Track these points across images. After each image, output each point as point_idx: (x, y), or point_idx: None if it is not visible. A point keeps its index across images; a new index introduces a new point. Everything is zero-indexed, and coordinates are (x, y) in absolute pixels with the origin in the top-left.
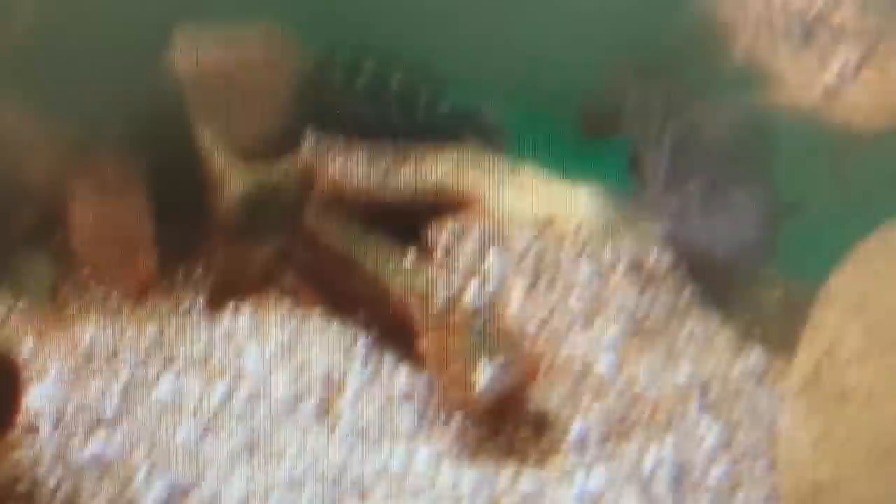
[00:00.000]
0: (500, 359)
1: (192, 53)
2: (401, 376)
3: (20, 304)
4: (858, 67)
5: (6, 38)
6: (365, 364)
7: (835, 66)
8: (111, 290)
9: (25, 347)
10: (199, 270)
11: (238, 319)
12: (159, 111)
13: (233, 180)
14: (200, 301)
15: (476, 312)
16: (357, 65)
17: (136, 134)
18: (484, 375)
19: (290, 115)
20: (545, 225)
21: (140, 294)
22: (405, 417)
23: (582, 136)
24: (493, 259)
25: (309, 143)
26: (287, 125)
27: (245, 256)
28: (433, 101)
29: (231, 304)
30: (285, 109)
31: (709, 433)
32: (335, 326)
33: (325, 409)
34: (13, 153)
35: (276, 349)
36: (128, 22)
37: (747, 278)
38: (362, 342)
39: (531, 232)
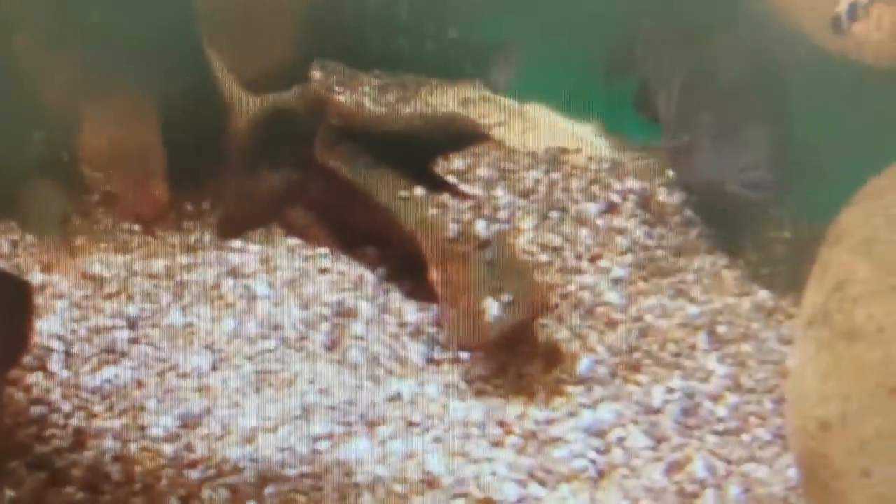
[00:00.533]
0: (509, 291)
1: None
2: (410, 309)
3: (29, 236)
4: (871, 2)
5: None
6: (374, 297)
7: (845, 2)
8: (121, 219)
9: (35, 278)
10: (208, 203)
11: (247, 253)
12: (173, 39)
13: (244, 109)
14: (209, 233)
15: (486, 244)
16: None
17: (150, 62)
18: (493, 307)
19: (300, 44)
20: (554, 159)
21: (151, 222)
22: (414, 350)
23: (605, 74)
24: (502, 192)
25: (317, 72)
26: (297, 55)
27: (256, 186)
28: (441, 31)
29: (240, 236)
30: (295, 39)
31: (717, 369)
32: (344, 259)
33: (335, 342)
34: (26, 77)
35: (285, 283)
36: None
37: (757, 215)
38: (370, 276)
39: (541, 166)
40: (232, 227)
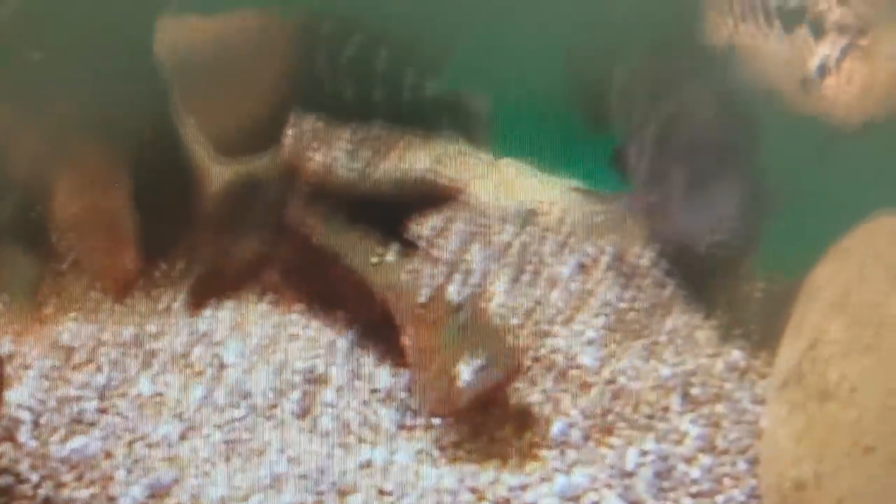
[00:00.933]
0: (482, 354)
1: (174, 42)
2: (382, 375)
3: None
4: (842, 58)
5: None
6: (345, 363)
7: (817, 57)
8: (93, 287)
9: (5, 345)
10: (178, 267)
11: (217, 317)
12: (142, 102)
13: (215, 175)
14: (179, 298)
15: (458, 307)
16: (343, 38)
17: (120, 126)
18: (465, 372)
19: (274, 99)
20: (527, 218)
21: (123, 291)
22: (385, 416)
23: (588, 130)
24: (475, 252)
25: (291, 130)
26: (271, 111)
27: (228, 253)
28: (418, 83)
29: (213, 302)
30: (270, 95)
31: (690, 431)
32: (315, 324)
33: (306, 408)
34: None
35: (255, 349)
36: (111, 11)
37: (730, 272)
38: (342, 341)
39: (513, 225)
40: (205, 293)
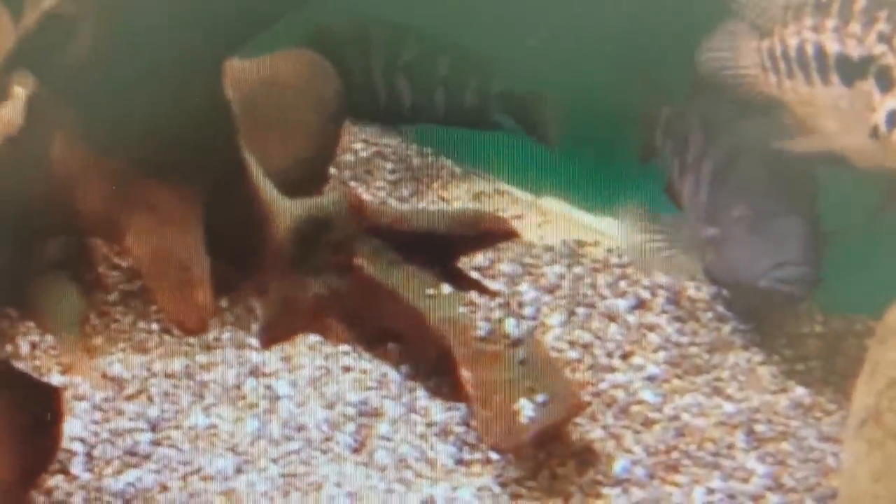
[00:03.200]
0: (543, 391)
1: (237, 82)
2: (436, 409)
3: (48, 337)
4: None
5: (60, 68)
6: (399, 396)
7: (884, 109)
8: (144, 318)
9: (55, 377)
10: (226, 301)
11: (266, 351)
12: (211, 141)
13: (282, 212)
14: (228, 332)
15: (517, 343)
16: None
17: (190, 164)
18: (527, 408)
19: (322, 141)
20: (573, 253)
21: (198, 328)
22: (442, 451)
23: (639, 161)
24: (527, 287)
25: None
26: (319, 151)
27: (298, 291)
28: (482, 85)
29: (281, 343)
30: (318, 135)
31: (756, 469)
32: (366, 357)
33: (361, 442)
34: (60, 181)
35: (308, 382)
36: (180, 50)
37: (789, 311)
38: (394, 374)
39: (562, 260)
40: (274, 334)
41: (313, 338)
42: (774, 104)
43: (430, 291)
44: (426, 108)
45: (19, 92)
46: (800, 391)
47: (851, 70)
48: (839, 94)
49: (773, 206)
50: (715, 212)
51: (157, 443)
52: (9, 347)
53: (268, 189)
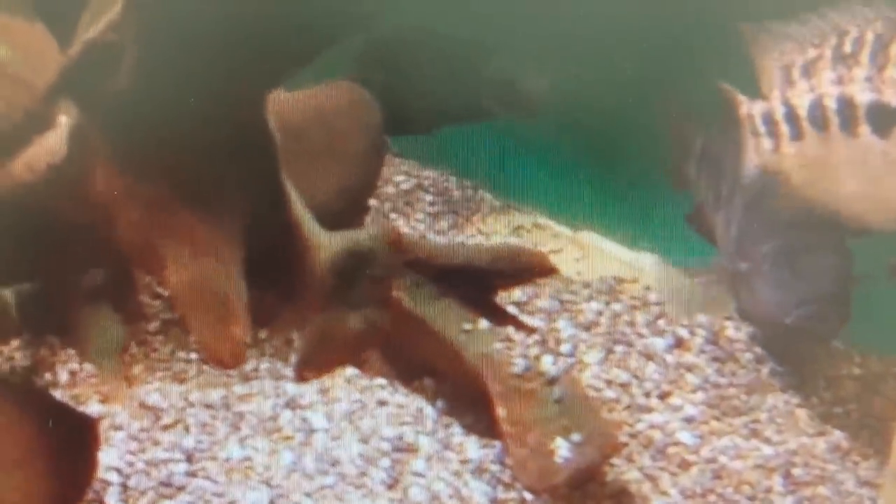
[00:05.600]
0: (579, 430)
1: (279, 114)
2: (472, 446)
3: (87, 365)
4: None
5: (103, 97)
6: (434, 432)
7: None
8: (182, 348)
9: (93, 406)
10: (265, 332)
11: (303, 383)
12: (253, 172)
13: (322, 245)
14: (266, 362)
15: (553, 381)
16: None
17: (231, 196)
18: (563, 447)
19: (362, 172)
20: (611, 290)
21: (234, 361)
22: (477, 489)
23: (673, 189)
24: (564, 324)
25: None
26: (360, 183)
27: (337, 324)
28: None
29: (320, 377)
30: (358, 167)
31: None
32: (402, 391)
33: (395, 478)
34: (101, 210)
35: (343, 415)
36: (223, 80)
37: (825, 352)
38: (430, 409)
39: (600, 297)
40: (313, 367)
41: (350, 371)
42: (767, 171)
43: (468, 326)
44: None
45: (62, 120)
46: (838, 434)
47: (887, 118)
48: (869, 146)
49: (800, 242)
50: (746, 247)
51: (192, 474)
52: (48, 376)
53: (308, 221)
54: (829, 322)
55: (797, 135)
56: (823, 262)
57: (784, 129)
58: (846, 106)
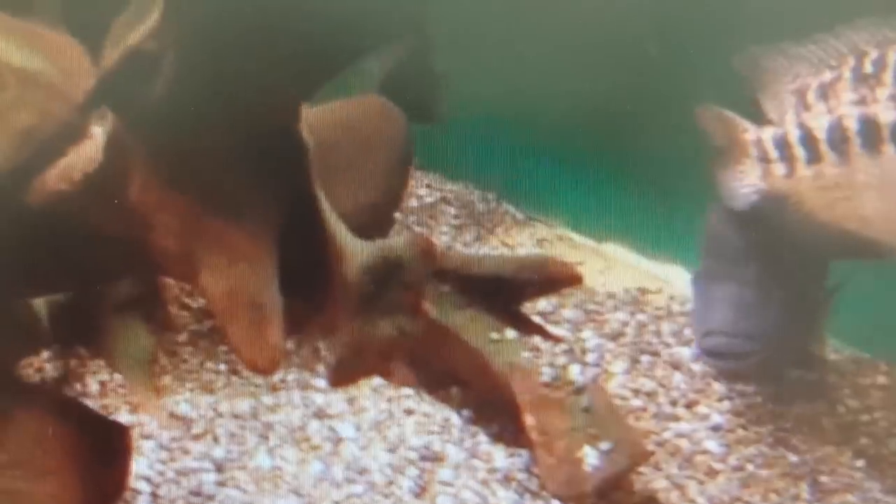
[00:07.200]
0: (607, 439)
1: (311, 125)
2: (499, 454)
3: (117, 376)
4: None
5: (139, 105)
6: (461, 441)
7: None
8: (212, 359)
9: (123, 418)
10: (293, 342)
11: (331, 393)
12: (286, 181)
13: (354, 253)
14: (294, 373)
15: (581, 390)
16: None
17: (265, 204)
18: (591, 456)
19: (390, 184)
20: (635, 300)
21: (269, 368)
22: (504, 498)
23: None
24: (590, 334)
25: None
26: (387, 194)
27: (369, 332)
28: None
29: (352, 384)
30: (393, 180)
31: None
32: (428, 400)
33: (423, 486)
34: (136, 219)
35: (371, 425)
36: (259, 89)
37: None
38: (457, 418)
39: (625, 307)
40: (344, 375)
41: (377, 380)
42: (778, 197)
43: (495, 336)
44: None
45: (98, 130)
46: (864, 442)
47: None
48: (894, 166)
49: (714, 267)
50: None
51: (221, 483)
52: (78, 386)
53: (341, 229)
54: (727, 358)
55: (814, 158)
56: (727, 292)
57: (799, 152)
58: (869, 126)
